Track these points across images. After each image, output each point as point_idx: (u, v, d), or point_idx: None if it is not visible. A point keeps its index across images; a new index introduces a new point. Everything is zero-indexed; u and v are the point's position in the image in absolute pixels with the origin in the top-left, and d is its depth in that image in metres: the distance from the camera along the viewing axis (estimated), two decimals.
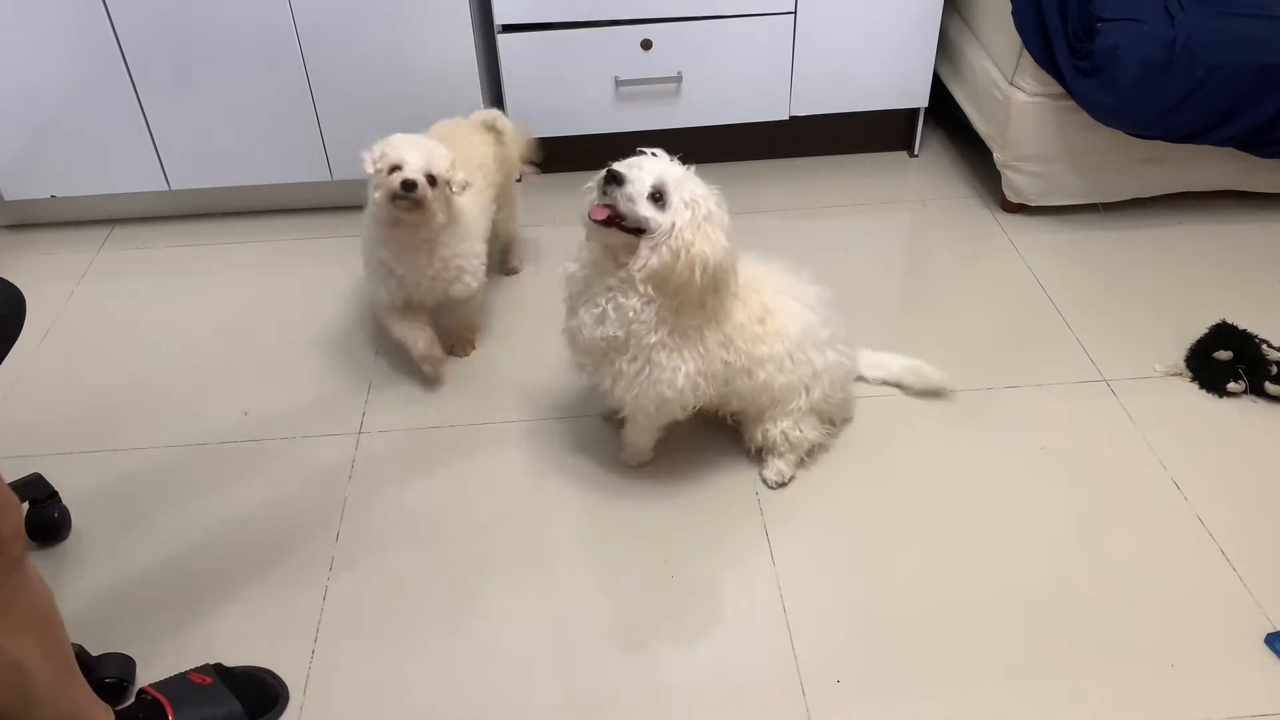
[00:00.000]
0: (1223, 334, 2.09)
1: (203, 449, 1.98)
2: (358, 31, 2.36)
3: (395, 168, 1.79)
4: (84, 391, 2.13)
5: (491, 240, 2.13)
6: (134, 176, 2.53)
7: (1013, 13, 2.28)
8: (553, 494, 1.87)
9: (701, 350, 1.66)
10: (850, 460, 1.91)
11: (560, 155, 2.54)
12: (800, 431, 1.81)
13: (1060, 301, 2.29)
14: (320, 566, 1.74)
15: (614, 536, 1.79)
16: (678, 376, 1.65)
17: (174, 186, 2.55)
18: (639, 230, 1.55)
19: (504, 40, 2.50)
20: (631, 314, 1.60)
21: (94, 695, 1.36)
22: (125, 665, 1.55)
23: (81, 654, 1.50)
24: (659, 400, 1.68)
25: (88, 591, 1.70)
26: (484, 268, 2.05)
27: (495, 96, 2.59)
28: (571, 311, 1.71)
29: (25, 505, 1.75)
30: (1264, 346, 2.05)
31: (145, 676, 1.54)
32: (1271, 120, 2.26)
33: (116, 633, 1.62)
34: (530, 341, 2.22)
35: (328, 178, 2.56)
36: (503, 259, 2.41)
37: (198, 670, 1.50)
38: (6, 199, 2.56)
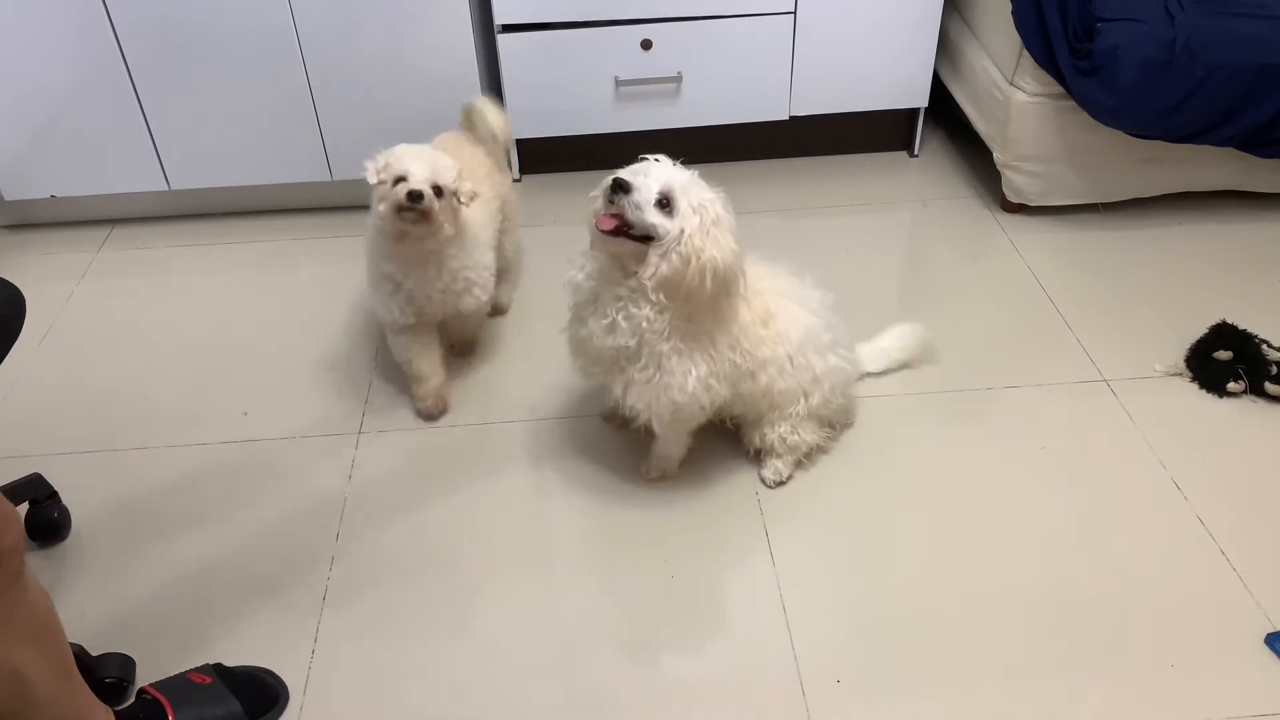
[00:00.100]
0: (1223, 334, 2.09)
1: (203, 449, 1.98)
2: (357, 30, 2.35)
3: (400, 179, 1.74)
4: (84, 391, 2.13)
5: None
6: (134, 176, 2.53)
7: (1013, 13, 2.28)
8: (553, 494, 1.87)
9: (712, 353, 1.65)
10: (850, 460, 1.91)
11: (560, 155, 2.54)
12: (798, 435, 1.81)
13: (1060, 301, 2.29)
14: (320, 566, 1.74)
15: (614, 537, 1.79)
16: (688, 380, 1.63)
17: (174, 186, 2.55)
18: (647, 238, 1.53)
19: (504, 40, 2.50)
20: (645, 324, 1.57)
21: (94, 697, 1.36)
22: (125, 665, 1.54)
23: (81, 654, 1.50)
24: (671, 405, 1.67)
25: (88, 591, 1.70)
26: (493, 279, 2.01)
27: (495, 96, 2.59)
28: (579, 321, 1.69)
29: (25, 505, 1.75)
30: (1264, 346, 2.05)
31: (145, 676, 1.53)
32: (1271, 120, 2.26)
33: (116, 633, 1.62)
34: (530, 342, 2.21)
35: (328, 178, 2.55)
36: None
37: (198, 670, 1.50)
38: (6, 199, 2.56)
